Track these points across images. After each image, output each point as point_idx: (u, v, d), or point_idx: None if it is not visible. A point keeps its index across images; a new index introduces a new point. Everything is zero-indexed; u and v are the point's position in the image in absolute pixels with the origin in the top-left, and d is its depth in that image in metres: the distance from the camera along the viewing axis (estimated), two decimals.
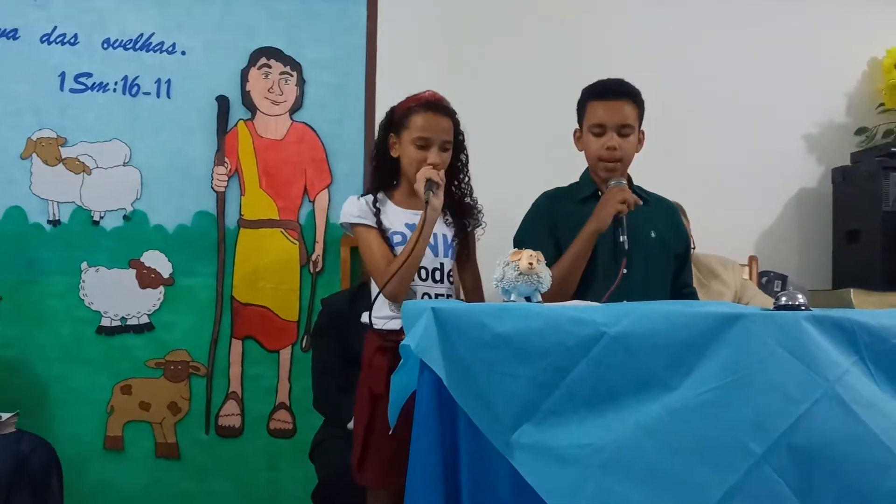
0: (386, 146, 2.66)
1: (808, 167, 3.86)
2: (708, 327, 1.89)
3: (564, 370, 1.87)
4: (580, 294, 2.64)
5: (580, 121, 2.84)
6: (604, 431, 1.84)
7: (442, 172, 2.56)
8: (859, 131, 3.81)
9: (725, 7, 3.79)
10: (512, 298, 2.17)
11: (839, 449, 1.83)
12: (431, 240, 2.57)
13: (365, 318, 2.61)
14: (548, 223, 2.83)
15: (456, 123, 2.64)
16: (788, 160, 3.83)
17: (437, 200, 2.50)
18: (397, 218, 2.62)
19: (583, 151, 2.85)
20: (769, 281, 3.69)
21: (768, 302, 2.63)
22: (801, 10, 3.82)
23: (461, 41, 3.65)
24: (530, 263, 2.15)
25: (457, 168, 2.68)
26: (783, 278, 3.72)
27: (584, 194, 2.82)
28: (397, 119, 2.63)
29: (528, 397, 1.86)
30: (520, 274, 2.15)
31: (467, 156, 2.70)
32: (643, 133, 2.82)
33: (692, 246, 3.02)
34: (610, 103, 2.76)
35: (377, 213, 2.60)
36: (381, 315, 2.51)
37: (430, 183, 2.50)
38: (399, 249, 2.56)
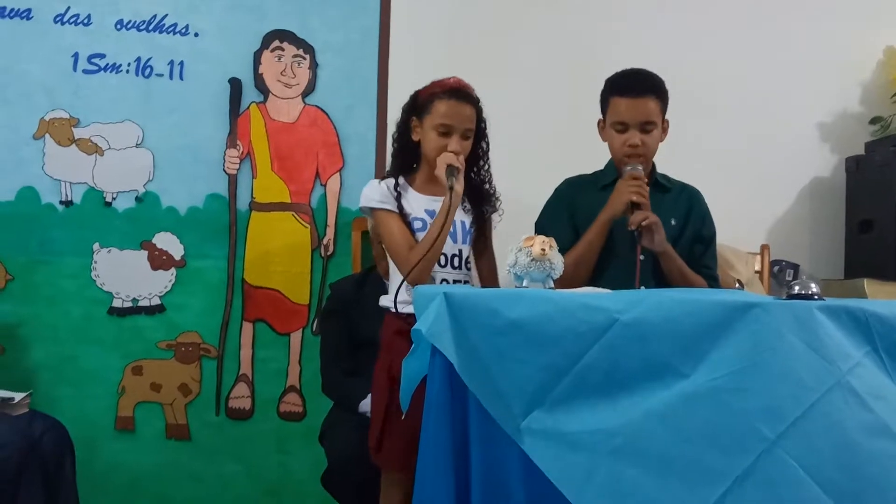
0: (408, 129, 2.66)
1: (822, 156, 3.84)
2: (721, 315, 1.89)
3: (576, 356, 1.88)
4: (594, 280, 2.64)
5: (603, 112, 2.83)
6: (615, 417, 1.85)
7: (462, 158, 2.55)
8: (874, 121, 3.78)
9: None
10: (524, 284, 2.17)
11: (851, 438, 1.83)
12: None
13: (384, 301, 2.62)
14: (568, 209, 2.83)
15: (479, 111, 2.63)
16: (802, 149, 3.81)
17: (460, 186, 2.50)
18: (418, 203, 2.62)
19: (606, 142, 2.84)
20: (781, 270, 3.68)
21: None
22: None
23: (475, 26, 3.63)
24: (543, 249, 2.15)
25: (477, 155, 2.68)
26: (795, 267, 3.71)
27: (605, 181, 2.82)
28: (420, 103, 2.63)
29: (540, 383, 1.87)
30: (532, 260, 2.15)
31: (488, 143, 2.70)
32: (667, 122, 2.82)
33: None
34: (633, 101, 2.74)
35: (398, 198, 2.61)
36: (402, 299, 2.48)
37: (451, 168, 2.50)
38: (419, 235, 2.56)
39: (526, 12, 3.66)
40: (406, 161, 2.69)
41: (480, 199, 2.69)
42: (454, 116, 2.57)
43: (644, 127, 2.74)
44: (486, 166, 2.72)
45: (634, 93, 2.75)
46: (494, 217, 2.74)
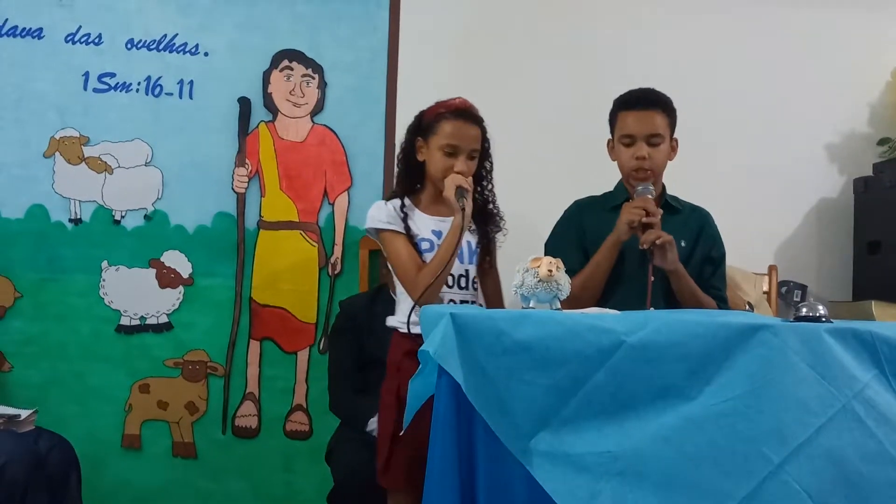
0: (412, 149, 2.67)
1: (830, 177, 3.83)
2: (728, 338, 1.89)
3: (583, 378, 1.87)
4: (603, 302, 2.63)
5: (612, 131, 2.85)
6: (621, 439, 1.84)
7: (470, 179, 2.56)
8: (882, 142, 3.78)
9: (748, 14, 3.77)
10: (531, 305, 2.17)
11: (854, 466, 1.83)
12: None
13: (392, 321, 2.61)
14: (577, 231, 2.84)
15: (483, 131, 2.64)
16: (810, 170, 3.80)
17: (470, 207, 2.51)
18: (424, 224, 2.62)
19: (615, 162, 2.85)
20: (789, 291, 3.67)
21: None
22: (825, 18, 3.79)
23: (483, 45, 3.64)
24: (550, 270, 2.15)
25: (481, 175, 2.69)
26: (803, 288, 3.70)
27: (614, 202, 2.82)
28: (426, 124, 2.63)
29: (546, 404, 1.86)
30: (539, 281, 2.15)
31: (492, 163, 2.71)
32: (676, 141, 2.83)
33: None
34: (640, 113, 2.76)
35: (405, 219, 2.61)
36: (412, 319, 2.45)
37: (460, 190, 2.50)
38: (427, 256, 2.56)
39: (535, 31, 3.67)
40: (411, 181, 2.69)
41: (485, 219, 2.69)
42: (461, 137, 2.58)
43: (651, 140, 2.76)
44: (490, 186, 2.72)
45: (641, 106, 2.78)
46: (499, 236, 2.74)
